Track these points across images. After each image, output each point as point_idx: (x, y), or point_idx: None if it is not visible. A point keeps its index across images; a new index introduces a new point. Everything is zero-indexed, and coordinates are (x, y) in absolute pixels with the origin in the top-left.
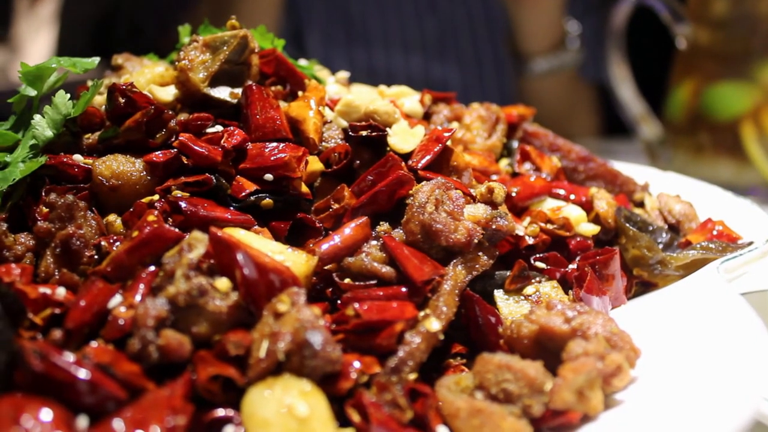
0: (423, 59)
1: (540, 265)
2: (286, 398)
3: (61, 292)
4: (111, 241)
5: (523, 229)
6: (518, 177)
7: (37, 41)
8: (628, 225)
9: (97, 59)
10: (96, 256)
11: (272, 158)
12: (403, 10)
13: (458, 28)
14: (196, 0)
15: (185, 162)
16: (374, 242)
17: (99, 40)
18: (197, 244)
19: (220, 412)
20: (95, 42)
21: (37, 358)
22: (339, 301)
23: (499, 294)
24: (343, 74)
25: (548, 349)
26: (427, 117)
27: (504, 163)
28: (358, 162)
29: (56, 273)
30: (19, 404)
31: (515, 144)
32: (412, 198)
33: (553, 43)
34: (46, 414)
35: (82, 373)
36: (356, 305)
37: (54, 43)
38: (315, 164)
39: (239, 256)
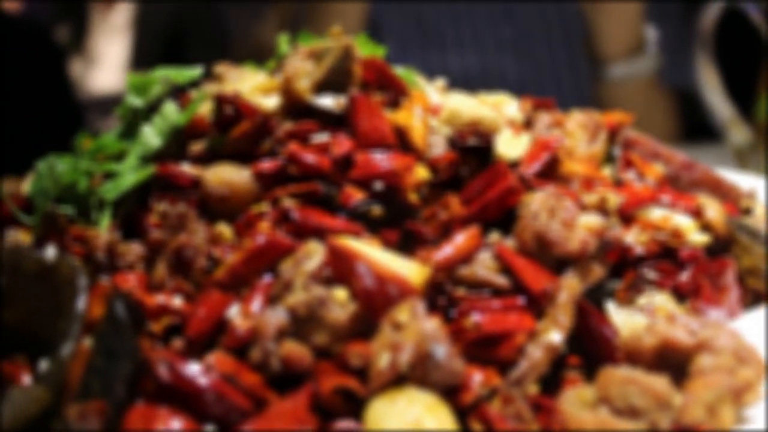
0: (498, 63)
1: (650, 275)
2: (411, 411)
3: (177, 301)
4: (222, 250)
5: (632, 238)
6: (622, 185)
7: (111, 51)
8: (740, 234)
9: (199, 69)
10: (208, 265)
11: (381, 167)
12: (477, 14)
13: (533, 32)
14: (266, 12)
15: (292, 171)
16: (486, 252)
17: (173, 49)
18: (314, 253)
19: (343, 424)
20: (169, 51)
21: (164, 368)
22: (453, 312)
23: (610, 305)
24: (441, 81)
25: (670, 362)
26: (527, 124)
27: (606, 170)
28: (464, 170)
29: (169, 282)
30: (150, 414)
31: (616, 151)
32: (524, 207)
33: (631, 48)
34: (177, 424)
35: (209, 384)
36: (475, 316)
37: (128, 53)
38: (422, 172)
39: (360, 267)
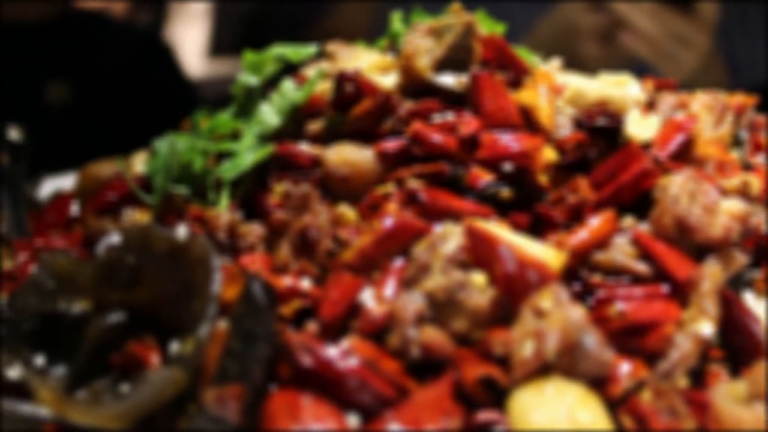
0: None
1: None
2: (562, 403)
3: (306, 283)
4: (348, 232)
5: None
6: (752, 169)
7: (189, 38)
8: None
9: (314, 48)
10: (333, 247)
11: (510, 147)
12: None
13: None
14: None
15: (416, 151)
16: (621, 237)
17: (251, 35)
18: (450, 236)
19: (486, 415)
20: (247, 36)
21: (305, 353)
22: (589, 299)
23: (748, 295)
24: (557, 61)
25: None
26: (649, 105)
27: (733, 154)
28: (591, 152)
29: (293, 264)
30: (293, 401)
31: (744, 134)
32: (661, 191)
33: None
34: (321, 410)
35: (352, 370)
36: (619, 304)
37: (206, 39)
38: (549, 154)
39: (503, 250)
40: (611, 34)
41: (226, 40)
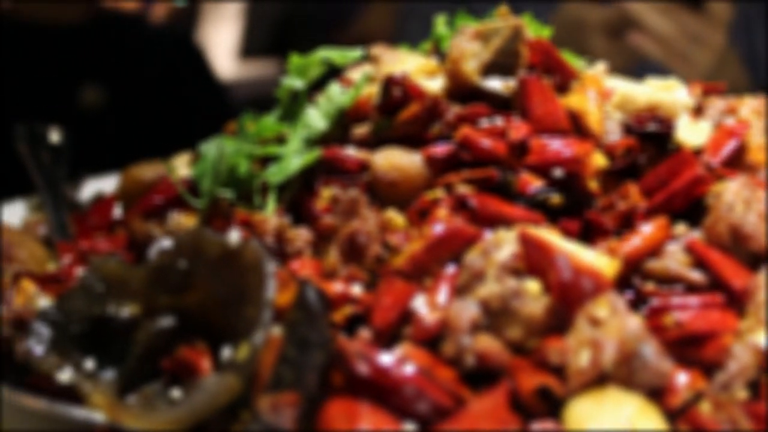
0: None
1: None
2: (621, 413)
3: (357, 289)
4: (398, 237)
5: None
6: None
7: (220, 39)
8: None
9: (359, 51)
10: (382, 253)
11: (561, 153)
12: None
13: None
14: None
15: (465, 156)
16: (674, 244)
17: (280, 37)
18: (504, 243)
19: (542, 425)
20: (277, 39)
21: (362, 361)
22: (642, 308)
23: None
24: (602, 65)
25: None
26: (697, 110)
27: None
28: (641, 158)
29: (341, 269)
30: (351, 409)
31: None
32: (715, 198)
33: None
34: (379, 418)
35: (409, 378)
36: (677, 314)
37: (238, 41)
38: (599, 160)
39: (559, 258)
40: (620, 28)
41: (257, 42)
